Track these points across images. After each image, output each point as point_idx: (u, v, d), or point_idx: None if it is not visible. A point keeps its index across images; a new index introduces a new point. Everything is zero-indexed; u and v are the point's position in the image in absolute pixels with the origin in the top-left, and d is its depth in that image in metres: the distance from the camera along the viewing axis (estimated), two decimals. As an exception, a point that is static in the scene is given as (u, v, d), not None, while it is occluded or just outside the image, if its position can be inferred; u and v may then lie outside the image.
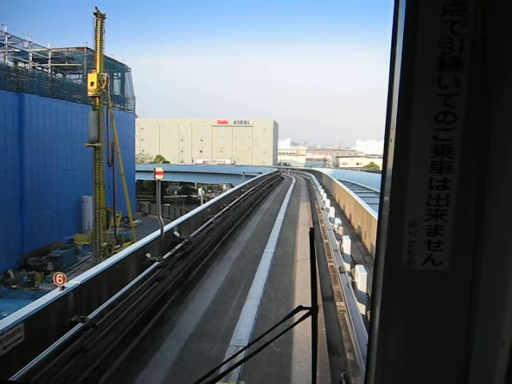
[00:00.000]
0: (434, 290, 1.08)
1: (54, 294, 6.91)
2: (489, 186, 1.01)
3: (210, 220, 16.68)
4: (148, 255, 10.45)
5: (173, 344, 8.55)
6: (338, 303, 10.65)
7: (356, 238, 18.61)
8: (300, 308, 1.46)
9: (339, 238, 14.68)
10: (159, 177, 12.69)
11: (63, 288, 6.97)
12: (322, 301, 10.68)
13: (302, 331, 8.08)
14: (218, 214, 18.29)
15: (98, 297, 8.00)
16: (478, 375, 1.07)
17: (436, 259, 1.07)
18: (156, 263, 10.14)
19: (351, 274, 11.26)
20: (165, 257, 10.79)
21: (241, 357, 2.38)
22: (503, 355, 0.99)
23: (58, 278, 7.01)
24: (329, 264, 13.93)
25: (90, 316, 6.89)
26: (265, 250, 16.07)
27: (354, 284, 10.02)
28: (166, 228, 12.51)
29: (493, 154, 0.99)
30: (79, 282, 7.42)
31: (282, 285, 12.36)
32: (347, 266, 11.98)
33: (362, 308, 8.53)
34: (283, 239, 18.33)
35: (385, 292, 1.10)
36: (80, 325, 6.57)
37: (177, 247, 11.90)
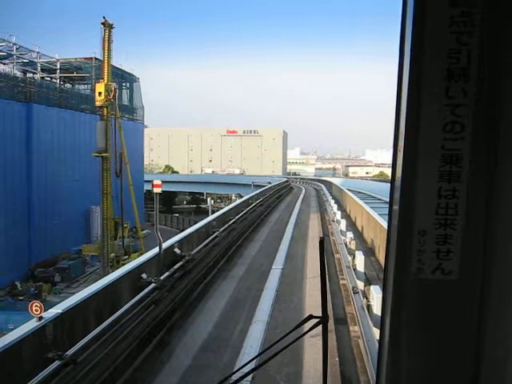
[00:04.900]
0: (444, 299, 1.06)
1: (29, 326, 6.07)
2: (497, 194, 0.99)
3: (214, 234, 15.90)
4: (144, 276, 9.62)
5: (169, 380, 7.74)
6: (351, 327, 9.82)
7: (369, 251, 17.96)
8: (311, 317, 1.47)
9: (351, 253, 14.05)
10: (157, 190, 11.81)
11: (40, 318, 6.15)
12: (333, 324, 9.84)
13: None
14: (224, 227, 17.52)
15: (83, 326, 7.16)
16: None
17: (445, 268, 1.05)
18: (152, 285, 9.31)
19: (365, 295, 10.60)
20: (162, 278, 9.94)
21: (252, 365, 2.22)
22: None
23: (34, 308, 6.15)
24: (341, 282, 13.15)
25: (70, 351, 6.04)
26: (272, 267, 15.21)
27: (368, 306, 9.33)
28: (166, 245, 11.70)
29: (501, 162, 0.98)
30: (60, 311, 6.56)
31: (290, 305, 11.54)
32: (360, 285, 11.35)
33: (378, 334, 7.69)
34: (292, 254, 17.47)
35: (394, 301, 1.09)
36: (57, 363, 5.72)
37: (176, 266, 11.06)
